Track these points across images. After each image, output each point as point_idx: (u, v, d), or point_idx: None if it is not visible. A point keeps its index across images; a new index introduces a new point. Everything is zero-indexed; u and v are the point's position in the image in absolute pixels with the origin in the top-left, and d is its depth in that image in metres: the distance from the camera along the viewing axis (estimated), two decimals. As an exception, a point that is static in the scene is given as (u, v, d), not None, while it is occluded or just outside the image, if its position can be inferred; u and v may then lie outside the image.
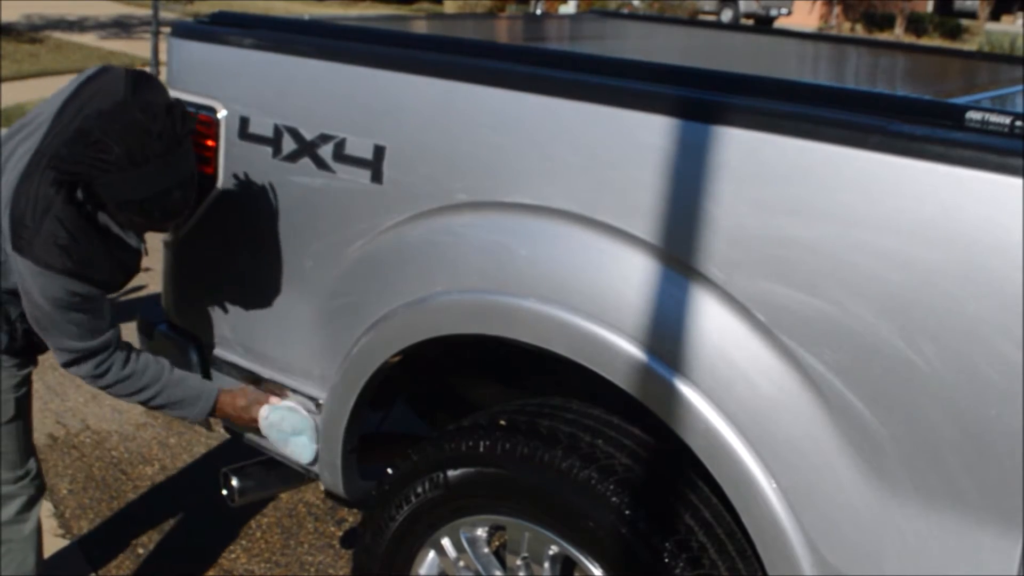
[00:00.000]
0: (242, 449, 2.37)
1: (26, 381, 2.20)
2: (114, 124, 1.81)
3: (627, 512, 1.65)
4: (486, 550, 1.92)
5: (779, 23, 26.24)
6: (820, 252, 1.45)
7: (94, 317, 2.00)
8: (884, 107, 1.54)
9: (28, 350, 2.14)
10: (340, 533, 3.04)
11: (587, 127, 1.67)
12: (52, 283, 1.90)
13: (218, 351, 2.30)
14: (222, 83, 2.15)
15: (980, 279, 1.34)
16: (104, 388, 2.08)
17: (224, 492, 2.28)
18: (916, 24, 27.60)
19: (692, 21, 4.98)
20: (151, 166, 1.80)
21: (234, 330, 2.26)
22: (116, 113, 1.84)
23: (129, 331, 4.28)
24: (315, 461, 2.16)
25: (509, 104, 1.76)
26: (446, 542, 1.94)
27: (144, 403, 2.14)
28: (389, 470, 2.01)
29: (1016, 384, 1.33)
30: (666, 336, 1.60)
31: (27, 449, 2.24)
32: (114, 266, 2.00)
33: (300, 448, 2.15)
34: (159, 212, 1.86)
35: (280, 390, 2.19)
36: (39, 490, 2.27)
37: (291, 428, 2.14)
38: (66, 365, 2.04)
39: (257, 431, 2.19)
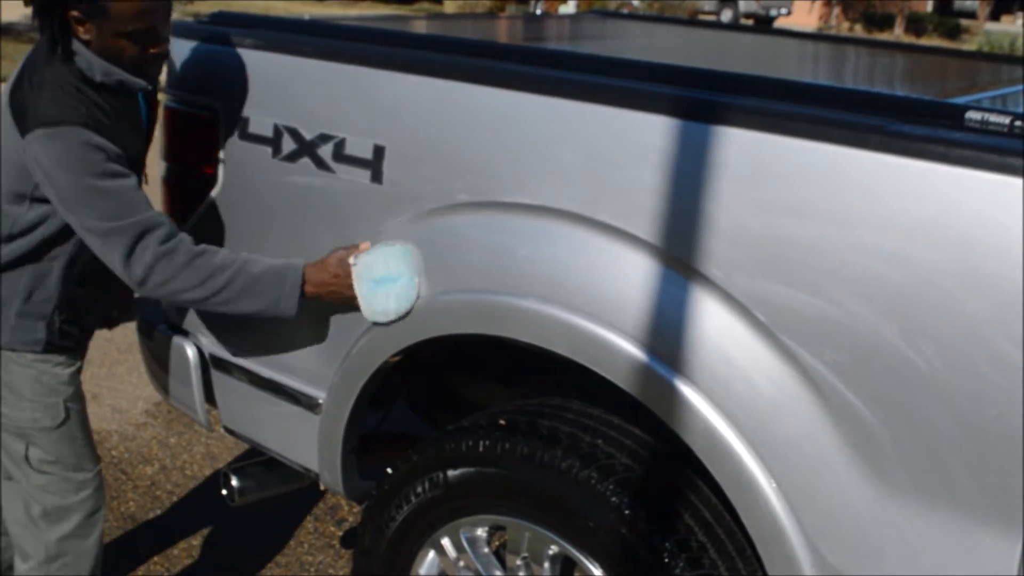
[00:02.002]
0: (242, 449, 2.37)
1: (74, 379, 2.08)
2: None
3: (627, 512, 1.65)
4: (486, 550, 1.92)
5: (779, 23, 26.25)
6: (820, 252, 1.45)
7: (130, 186, 1.85)
8: (884, 107, 1.55)
9: (71, 344, 2.04)
10: (340, 533, 3.04)
11: (587, 127, 1.67)
12: (68, 143, 1.78)
13: (218, 351, 2.30)
14: (222, 83, 2.15)
15: (980, 279, 1.34)
16: (174, 279, 1.84)
17: (224, 492, 2.29)
18: (916, 24, 27.61)
19: (692, 21, 4.98)
20: None
21: (234, 330, 2.26)
22: None
23: (129, 331, 4.29)
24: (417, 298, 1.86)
25: (509, 104, 1.76)
26: (446, 542, 1.94)
27: (223, 293, 1.87)
28: (389, 470, 2.01)
29: (1016, 384, 1.33)
30: (666, 336, 1.60)
31: (86, 454, 2.11)
32: (122, 124, 1.90)
33: (395, 296, 1.84)
34: None
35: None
36: (100, 501, 2.14)
37: (384, 270, 1.84)
38: (128, 255, 1.83)
39: (352, 296, 1.88)
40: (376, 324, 1.90)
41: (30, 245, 1.93)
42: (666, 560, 1.63)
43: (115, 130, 1.87)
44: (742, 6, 25.40)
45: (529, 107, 1.73)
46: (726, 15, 24.76)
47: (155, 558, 2.82)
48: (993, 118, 1.44)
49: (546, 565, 1.82)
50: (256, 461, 2.33)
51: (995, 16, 30.06)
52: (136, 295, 1.98)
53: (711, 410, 1.57)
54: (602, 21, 3.60)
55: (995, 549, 1.39)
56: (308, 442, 2.15)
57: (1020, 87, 2.34)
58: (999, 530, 1.38)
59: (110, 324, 2.24)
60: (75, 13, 1.79)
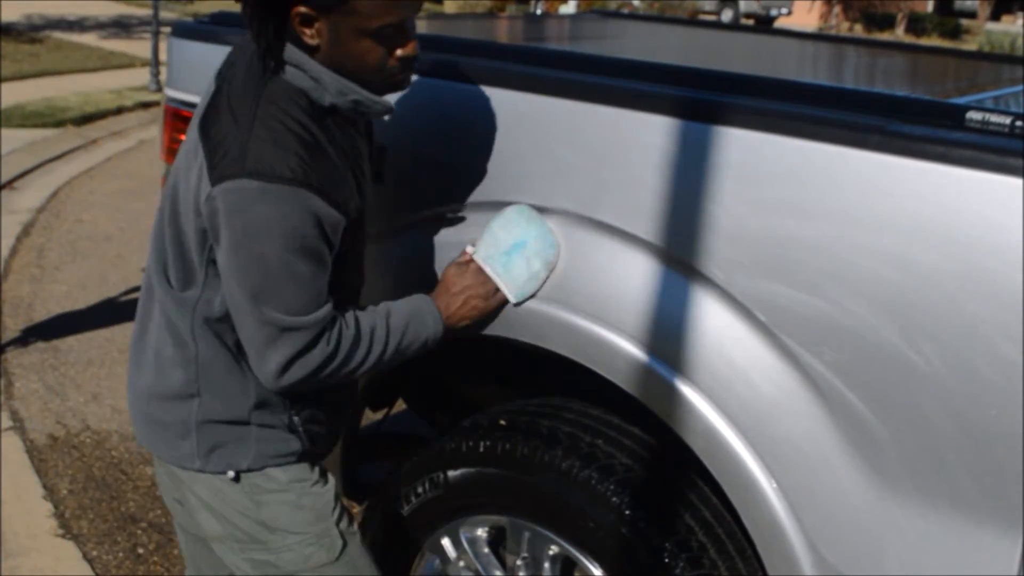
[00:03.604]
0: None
1: (338, 494, 1.68)
2: None
3: (627, 512, 1.65)
4: (486, 550, 1.92)
5: (779, 23, 26.24)
6: (820, 252, 1.45)
7: (327, 270, 1.47)
8: (884, 107, 1.54)
9: (325, 448, 1.67)
10: (340, 533, 3.04)
11: (588, 127, 1.67)
12: (280, 207, 1.38)
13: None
14: (222, 83, 2.14)
15: (980, 279, 1.34)
16: (336, 370, 1.51)
17: None
18: (916, 24, 27.60)
19: (692, 21, 4.98)
20: None
21: (234, 330, 2.26)
22: None
23: (128, 331, 4.28)
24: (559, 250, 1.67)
25: (510, 104, 1.76)
26: (446, 542, 1.94)
27: (381, 358, 1.56)
28: (389, 470, 2.01)
29: (1016, 384, 1.33)
30: (666, 336, 1.60)
31: None
32: (347, 171, 1.49)
33: (535, 255, 1.64)
34: None
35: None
36: None
37: (508, 240, 1.64)
38: (293, 359, 1.46)
39: (490, 294, 1.65)
40: (529, 297, 1.66)
41: (225, 314, 1.51)
42: (666, 560, 1.63)
43: (340, 182, 1.47)
44: (742, 6, 25.40)
45: (530, 107, 1.73)
46: (726, 15, 24.76)
47: (155, 558, 2.82)
48: (993, 118, 1.44)
49: (546, 565, 1.82)
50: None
51: (995, 16, 30.06)
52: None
53: (711, 410, 1.57)
54: (602, 21, 3.60)
55: (995, 549, 1.39)
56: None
57: (1020, 87, 2.34)
58: (999, 530, 1.38)
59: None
60: (302, 9, 1.38)
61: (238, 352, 1.54)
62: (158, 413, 1.61)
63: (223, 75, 1.54)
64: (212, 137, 1.44)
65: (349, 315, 1.53)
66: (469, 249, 1.66)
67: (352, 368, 1.52)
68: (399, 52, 1.45)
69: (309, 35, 1.41)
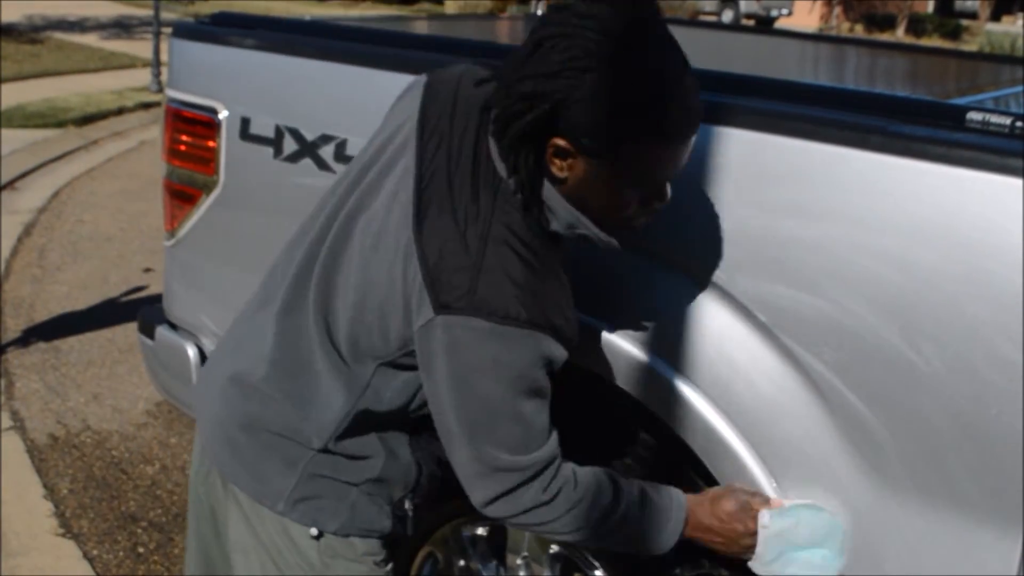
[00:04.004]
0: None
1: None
2: (566, 15, 1.23)
3: (627, 512, 1.65)
4: (486, 550, 1.92)
5: (780, 24, 26.24)
6: (821, 253, 1.45)
7: (544, 404, 1.34)
8: (884, 108, 1.55)
9: (400, 531, 1.56)
10: (341, 533, 3.04)
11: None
12: (510, 351, 1.27)
13: (219, 351, 2.30)
14: (223, 84, 2.15)
15: (980, 280, 1.34)
16: (546, 521, 1.38)
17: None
18: (917, 25, 27.60)
19: (692, 22, 4.97)
20: (643, 45, 1.21)
21: (235, 330, 2.26)
22: (556, 13, 1.25)
23: (130, 331, 4.29)
24: None
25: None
26: (447, 541, 1.94)
27: (589, 540, 1.44)
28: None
29: (1016, 384, 1.33)
30: (667, 336, 1.60)
31: None
32: (567, 285, 1.38)
33: (817, 567, 1.50)
34: (678, 109, 1.21)
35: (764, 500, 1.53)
36: None
37: (808, 537, 1.49)
38: (502, 495, 1.35)
39: (742, 550, 1.50)
40: None
41: (390, 408, 1.45)
42: (666, 560, 1.62)
43: (568, 309, 1.36)
44: (743, 7, 25.39)
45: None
46: (727, 16, 24.76)
47: (155, 558, 2.82)
48: (994, 119, 1.44)
49: (546, 565, 1.82)
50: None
51: (996, 17, 30.05)
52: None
53: (711, 410, 1.57)
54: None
55: (995, 549, 1.39)
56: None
57: (1021, 88, 2.34)
58: (999, 530, 1.38)
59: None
60: (562, 143, 1.24)
61: (381, 431, 1.46)
62: (257, 447, 1.46)
63: (428, 121, 1.40)
64: (431, 240, 1.29)
65: (584, 475, 1.40)
66: (765, 517, 1.48)
67: (564, 529, 1.40)
68: (655, 204, 1.32)
69: (558, 167, 1.27)
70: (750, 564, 1.51)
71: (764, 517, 1.47)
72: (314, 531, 1.46)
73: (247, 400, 1.47)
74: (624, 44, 1.19)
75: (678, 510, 1.45)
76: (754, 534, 1.47)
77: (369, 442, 1.46)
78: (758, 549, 1.48)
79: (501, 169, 1.32)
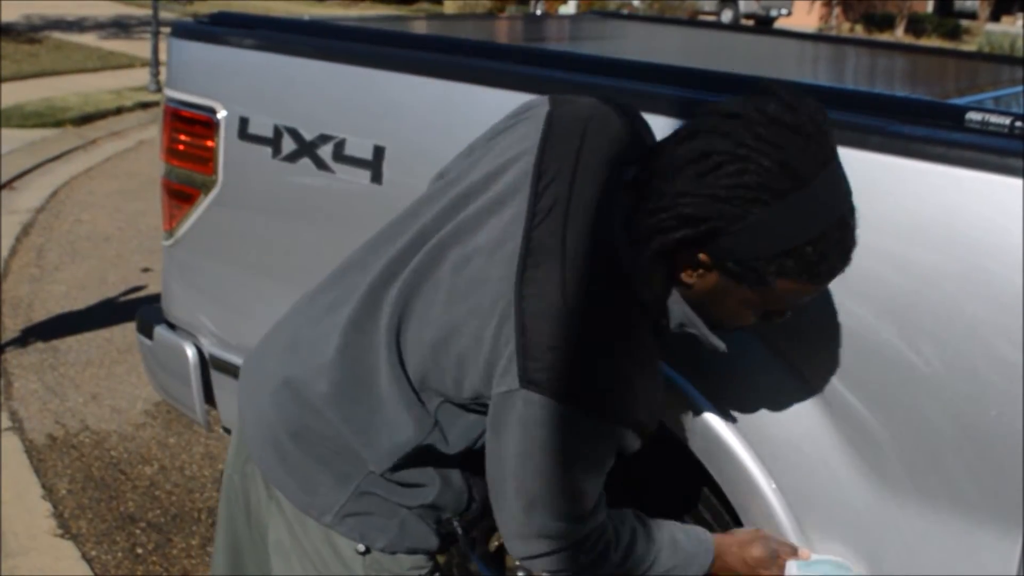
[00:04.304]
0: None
1: None
2: (741, 130, 1.15)
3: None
4: (486, 552, 1.92)
5: (779, 24, 26.25)
6: (820, 252, 1.45)
7: (600, 477, 1.31)
8: (884, 108, 1.54)
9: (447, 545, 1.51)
10: (339, 533, 3.04)
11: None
12: (586, 439, 1.24)
13: (217, 351, 2.30)
14: (222, 83, 2.15)
15: (980, 280, 1.34)
16: (583, 571, 1.36)
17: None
18: (916, 25, 27.62)
19: (692, 22, 4.98)
20: (817, 183, 1.15)
21: (233, 331, 2.26)
22: (730, 119, 1.17)
23: (129, 331, 4.29)
24: None
25: (509, 104, 1.76)
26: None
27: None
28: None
29: (1016, 384, 1.33)
30: (666, 336, 1.59)
31: None
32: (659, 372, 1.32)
33: None
34: (836, 254, 1.19)
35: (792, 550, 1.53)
36: None
37: None
38: (534, 557, 1.33)
39: None
40: None
41: (455, 450, 1.40)
42: (666, 560, 1.62)
43: (655, 401, 1.32)
44: (742, 6, 25.41)
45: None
46: (726, 16, 24.77)
47: (153, 558, 2.82)
48: (993, 119, 1.44)
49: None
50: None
51: (995, 17, 30.07)
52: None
53: (711, 410, 1.57)
54: (602, 22, 3.60)
55: (995, 549, 1.39)
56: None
57: (1020, 88, 2.34)
58: (999, 530, 1.38)
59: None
60: (703, 258, 1.20)
61: (439, 465, 1.41)
62: (307, 459, 1.41)
63: (547, 168, 1.31)
64: (532, 308, 1.22)
65: (624, 533, 1.38)
66: (792, 568, 1.48)
67: (608, 570, 1.38)
68: (775, 319, 1.30)
69: (689, 275, 1.23)
70: None
71: (791, 568, 1.47)
72: (361, 547, 1.42)
73: (302, 412, 1.39)
74: (800, 182, 1.13)
75: (706, 554, 1.45)
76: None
77: (426, 472, 1.41)
78: None
79: (624, 256, 1.24)
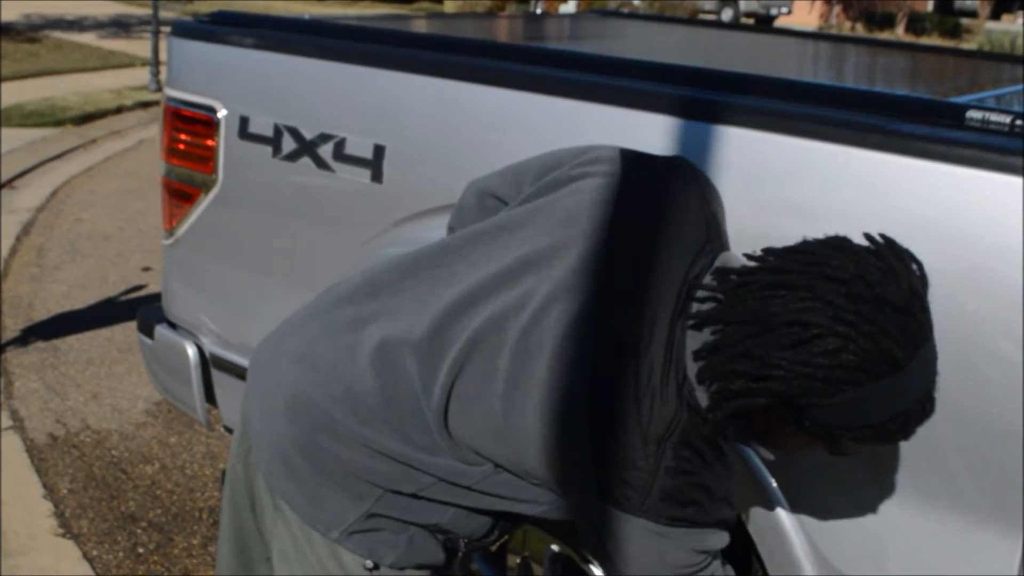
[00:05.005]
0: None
1: None
2: (842, 302, 1.11)
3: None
4: (487, 550, 1.92)
5: (779, 22, 26.24)
6: (820, 252, 1.45)
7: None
8: (884, 106, 1.54)
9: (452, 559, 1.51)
10: (340, 532, 3.04)
11: (588, 127, 1.67)
12: (673, 545, 1.26)
13: (218, 351, 2.30)
14: (222, 82, 2.15)
15: (980, 278, 1.34)
16: None
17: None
18: (916, 23, 27.61)
19: (692, 20, 4.97)
20: (913, 364, 1.13)
21: (234, 330, 2.26)
22: (831, 283, 1.13)
23: (129, 330, 4.29)
24: None
25: (509, 104, 1.76)
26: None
27: None
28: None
29: (1016, 384, 1.33)
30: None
31: None
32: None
33: None
34: (915, 423, 1.19)
35: None
36: None
37: None
38: None
39: None
40: None
41: (483, 498, 1.40)
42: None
43: (731, 498, 1.35)
44: (743, 5, 25.39)
45: (529, 106, 1.73)
46: (726, 14, 24.75)
47: (154, 558, 2.82)
48: (993, 117, 1.44)
49: (546, 565, 1.81)
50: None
51: (995, 15, 30.05)
52: None
53: (711, 410, 1.56)
54: (602, 20, 3.60)
55: (995, 549, 1.39)
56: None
57: (1021, 86, 2.33)
58: (999, 530, 1.38)
59: None
60: (780, 412, 1.20)
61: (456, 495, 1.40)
62: (318, 476, 1.38)
63: (610, 212, 1.30)
64: (607, 426, 1.22)
65: None
66: None
67: None
68: (835, 456, 1.29)
69: (756, 419, 1.23)
70: None
71: None
72: (369, 563, 1.40)
73: (316, 430, 1.36)
74: (896, 366, 1.11)
75: None
76: None
77: (438, 508, 1.40)
78: None
79: (696, 395, 1.24)
